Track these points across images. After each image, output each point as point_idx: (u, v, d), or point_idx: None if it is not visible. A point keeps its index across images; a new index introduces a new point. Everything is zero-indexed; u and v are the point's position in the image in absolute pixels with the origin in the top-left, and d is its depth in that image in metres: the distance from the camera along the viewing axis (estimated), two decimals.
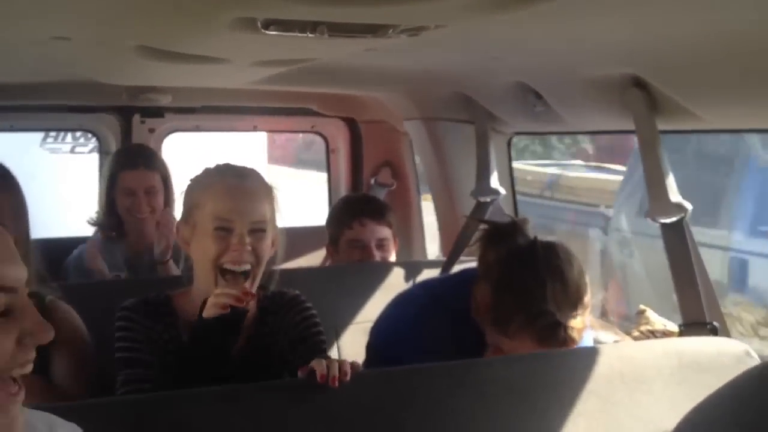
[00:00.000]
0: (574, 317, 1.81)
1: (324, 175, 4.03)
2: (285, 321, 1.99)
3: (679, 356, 1.84)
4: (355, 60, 2.15)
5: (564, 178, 8.12)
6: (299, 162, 12.41)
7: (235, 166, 1.98)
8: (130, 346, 1.88)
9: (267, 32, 1.24)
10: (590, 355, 1.82)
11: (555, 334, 1.79)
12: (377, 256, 2.90)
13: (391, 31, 1.27)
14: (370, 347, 2.14)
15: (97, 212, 3.10)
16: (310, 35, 1.24)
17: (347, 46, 1.55)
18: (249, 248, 1.84)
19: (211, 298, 1.78)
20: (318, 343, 1.97)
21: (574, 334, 1.81)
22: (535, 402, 1.72)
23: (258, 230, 1.86)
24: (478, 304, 1.91)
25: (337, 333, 2.71)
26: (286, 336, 1.97)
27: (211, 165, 2.00)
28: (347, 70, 2.48)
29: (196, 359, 1.81)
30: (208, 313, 1.77)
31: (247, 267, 1.85)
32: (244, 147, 6.27)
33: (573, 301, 1.81)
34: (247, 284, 1.84)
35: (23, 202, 2.10)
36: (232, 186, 1.89)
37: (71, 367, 1.99)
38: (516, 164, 3.24)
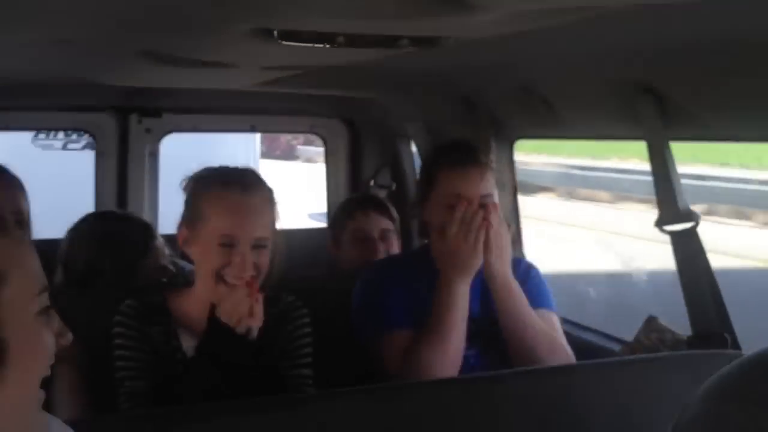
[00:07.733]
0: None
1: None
2: (279, 330, 1.95)
3: (692, 370, 1.80)
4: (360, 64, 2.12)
5: None
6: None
7: (239, 173, 1.93)
8: (129, 355, 1.85)
9: (283, 42, 1.20)
10: (605, 369, 1.79)
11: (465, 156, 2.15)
12: (381, 248, 2.84)
13: (405, 41, 1.23)
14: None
15: None
16: (326, 46, 1.21)
17: (359, 56, 1.51)
18: (251, 263, 1.83)
19: (223, 311, 1.80)
20: (303, 356, 1.95)
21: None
22: (549, 418, 1.69)
23: (261, 246, 1.86)
24: (424, 216, 2.21)
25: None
26: (277, 345, 1.94)
27: (212, 166, 1.95)
28: (350, 73, 2.43)
29: (202, 371, 1.80)
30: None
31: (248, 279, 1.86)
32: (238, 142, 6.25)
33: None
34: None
35: None
36: (238, 202, 1.86)
37: (73, 382, 1.90)
38: None
